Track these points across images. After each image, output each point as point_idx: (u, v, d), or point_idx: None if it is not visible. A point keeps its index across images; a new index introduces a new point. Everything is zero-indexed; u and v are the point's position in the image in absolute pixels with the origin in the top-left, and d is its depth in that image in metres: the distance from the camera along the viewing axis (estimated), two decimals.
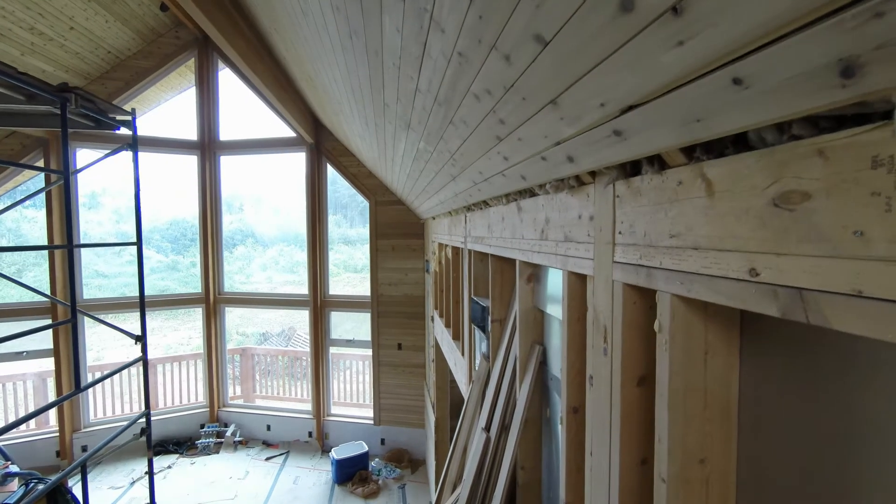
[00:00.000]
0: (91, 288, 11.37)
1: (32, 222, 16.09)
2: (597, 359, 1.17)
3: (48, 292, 5.34)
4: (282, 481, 5.69)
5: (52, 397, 6.31)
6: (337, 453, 5.69)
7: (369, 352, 6.54)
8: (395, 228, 6.24)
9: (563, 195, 1.36)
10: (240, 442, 6.59)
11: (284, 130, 6.45)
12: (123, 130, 4.15)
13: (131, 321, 9.24)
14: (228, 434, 6.54)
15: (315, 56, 2.90)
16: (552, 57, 0.84)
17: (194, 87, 6.60)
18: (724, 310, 0.85)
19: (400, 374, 6.35)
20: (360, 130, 3.71)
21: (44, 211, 5.66)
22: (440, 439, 4.89)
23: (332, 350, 6.81)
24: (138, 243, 4.33)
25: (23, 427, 5.92)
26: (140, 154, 4.31)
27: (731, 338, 0.87)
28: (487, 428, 2.22)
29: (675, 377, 0.85)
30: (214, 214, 6.74)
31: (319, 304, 6.56)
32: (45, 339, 5.70)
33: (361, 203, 6.70)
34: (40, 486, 3.35)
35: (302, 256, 6.91)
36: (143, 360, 4.31)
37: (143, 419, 4.33)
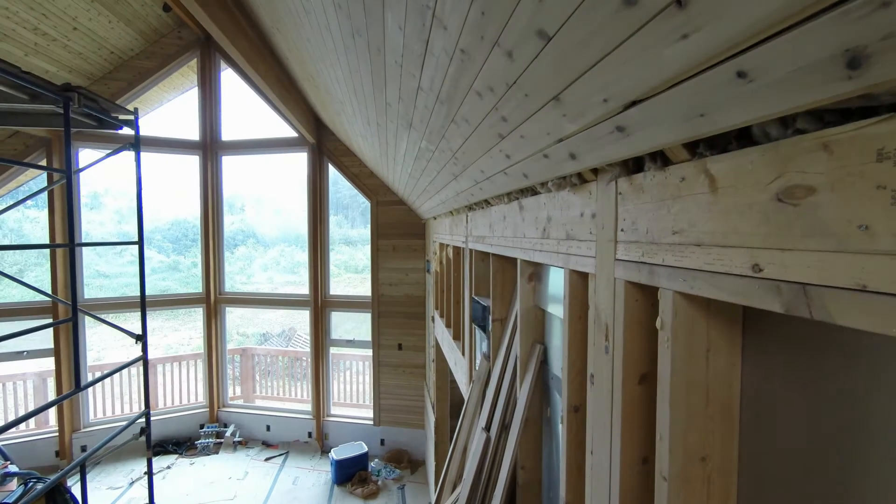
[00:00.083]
0: (92, 288, 11.38)
1: (35, 222, 16.13)
2: (598, 357, 1.16)
3: (49, 292, 5.34)
4: (281, 482, 5.68)
5: (52, 397, 6.31)
6: (336, 454, 5.68)
7: (369, 352, 6.53)
8: (397, 228, 6.25)
9: (565, 193, 1.36)
10: (239, 442, 6.58)
11: (286, 130, 6.46)
12: (126, 130, 4.16)
13: (132, 321, 9.23)
14: (228, 434, 6.53)
15: (317, 56, 2.91)
16: (555, 53, 0.84)
17: (196, 88, 6.61)
18: (726, 307, 0.85)
19: (400, 374, 6.34)
20: (362, 130, 3.71)
21: (46, 211, 5.67)
22: (440, 440, 4.88)
23: (333, 350, 6.81)
24: (140, 242, 4.34)
25: (22, 427, 5.92)
26: (142, 154, 4.32)
27: (734, 335, 0.86)
28: (488, 427, 2.21)
29: (677, 374, 0.85)
30: (216, 214, 6.75)
31: (320, 304, 6.56)
32: (45, 339, 5.70)
33: (362, 203, 6.70)
34: (39, 486, 3.35)
35: (303, 257, 6.91)
36: (144, 359, 4.31)
37: (143, 419, 4.33)
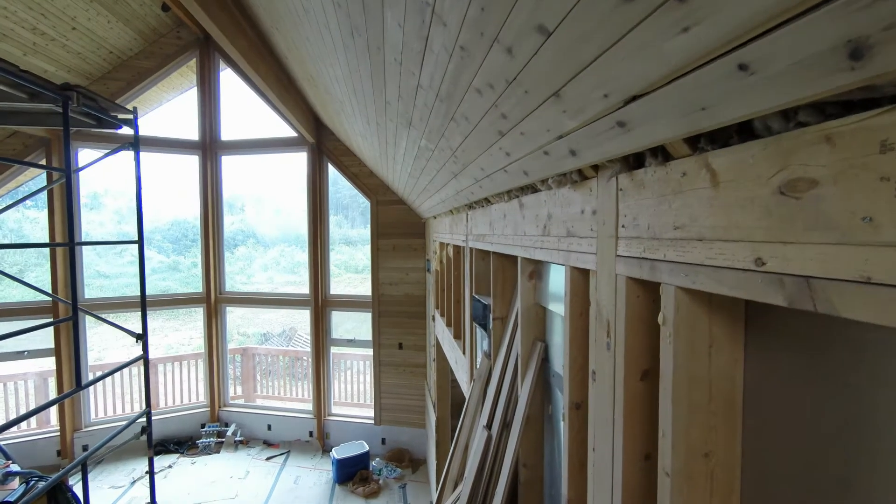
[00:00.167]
0: (92, 288, 11.38)
1: (35, 223, 16.13)
2: (600, 354, 1.16)
3: (50, 291, 5.34)
4: (282, 481, 5.68)
5: (53, 397, 6.31)
6: (338, 453, 5.68)
7: (370, 351, 6.53)
8: (397, 228, 6.24)
9: (565, 190, 1.36)
10: (240, 442, 6.58)
11: (286, 130, 6.46)
12: (125, 130, 4.16)
13: (133, 321, 9.23)
14: (229, 434, 6.54)
15: (317, 55, 2.90)
16: (555, 48, 0.83)
17: (196, 88, 6.61)
18: (728, 302, 0.85)
19: (401, 373, 6.34)
20: (362, 129, 3.71)
21: (46, 212, 5.67)
22: (441, 439, 4.88)
23: (333, 350, 6.81)
24: (139, 241, 4.33)
25: (24, 426, 5.93)
26: (141, 154, 4.32)
27: (736, 331, 0.86)
28: (489, 425, 2.21)
29: (679, 370, 0.85)
30: (216, 214, 6.75)
31: (320, 303, 6.56)
32: (46, 339, 5.70)
33: (362, 203, 6.70)
34: (41, 485, 3.35)
35: (303, 257, 6.91)
36: (144, 358, 4.31)
37: (144, 418, 4.33)
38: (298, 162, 6.62)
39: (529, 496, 1.97)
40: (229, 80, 6.65)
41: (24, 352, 5.82)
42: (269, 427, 6.72)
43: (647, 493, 1.04)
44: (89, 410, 6.16)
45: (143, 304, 4.36)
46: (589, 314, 1.28)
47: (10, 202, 4.10)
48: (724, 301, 0.84)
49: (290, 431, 6.67)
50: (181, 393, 6.93)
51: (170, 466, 5.94)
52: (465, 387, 3.18)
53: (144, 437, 4.36)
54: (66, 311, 5.61)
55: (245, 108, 8.03)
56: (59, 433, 5.84)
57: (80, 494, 3.70)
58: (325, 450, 6.43)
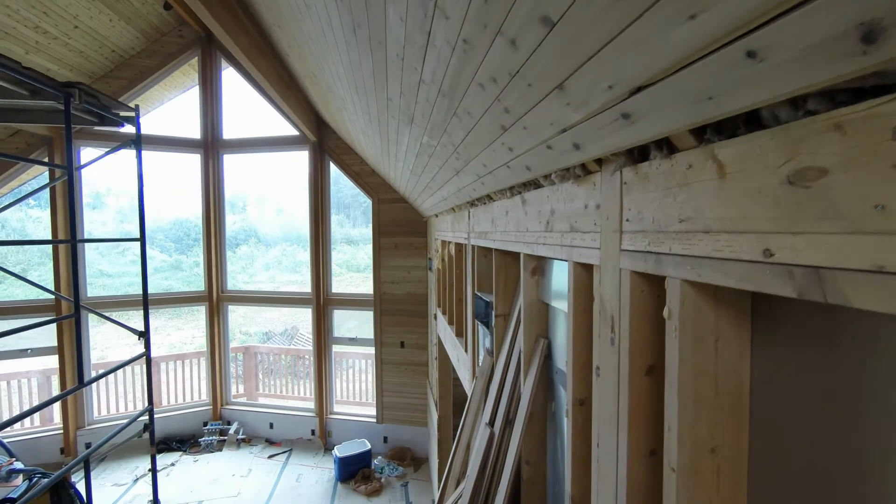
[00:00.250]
0: (95, 287, 11.41)
1: (37, 222, 16.20)
2: (604, 349, 1.15)
3: (52, 289, 5.35)
4: (285, 479, 5.69)
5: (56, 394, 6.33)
6: (340, 451, 5.68)
7: (372, 350, 6.53)
8: (398, 226, 6.24)
9: (568, 185, 1.35)
10: (243, 440, 6.59)
11: (287, 129, 6.46)
12: (127, 128, 4.16)
13: (135, 320, 9.26)
14: (231, 432, 6.55)
15: (318, 53, 2.90)
16: (559, 39, 0.83)
17: (198, 86, 6.61)
18: (734, 296, 0.84)
19: (403, 372, 6.34)
20: (364, 127, 3.70)
21: (48, 211, 5.68)
22: (443, 437, 4.88)
23: (335, 348, 6.81)
24: (142, 238, 4.34)
25: (27, 424, 5.96)
26: (143, 153, 4.32)
27: (742, 325, 0.85)
28: (491, 423, 2.20)
29: (685, 364, 0.84)
30: (218, 213, 6.75)
31: (322, 302, 6.56)
32: (49, 337, 5.72)
33: (364, 203, 6.70)
34: (44, 482, 3.36)
35: (305, 256, 6.91)
36: (147, 356, 4.32)
37: (147, 416, 4.34)
38: (300, 161, 6.62)
39: (532, 494, 1.97)
40: (231, 79, 6.66)
41: (28, 350, 5.84)
42: (272, 425, 6.73)
43: (652, 489, 1.03)
44: (92, 408, 6.18)
45: (146, 301, 4.37)
46: (592, 310, 1.27)
47: (13, 200, 4.12)
48: (731, 294, 0.83)
49: (293, 430, 6.68)
50: (184, 391, 6.94)
51: (172, 464, 5.96)
52: (468, 384, 3.18)
53: (147, 435, 4.37)
54: (69, 308, 5.62)
55: (247, 107, 8.05)
56: (62, 431, 5.86)
57: (82, 492, 3.71)
58: (328, 448, 6.43)
